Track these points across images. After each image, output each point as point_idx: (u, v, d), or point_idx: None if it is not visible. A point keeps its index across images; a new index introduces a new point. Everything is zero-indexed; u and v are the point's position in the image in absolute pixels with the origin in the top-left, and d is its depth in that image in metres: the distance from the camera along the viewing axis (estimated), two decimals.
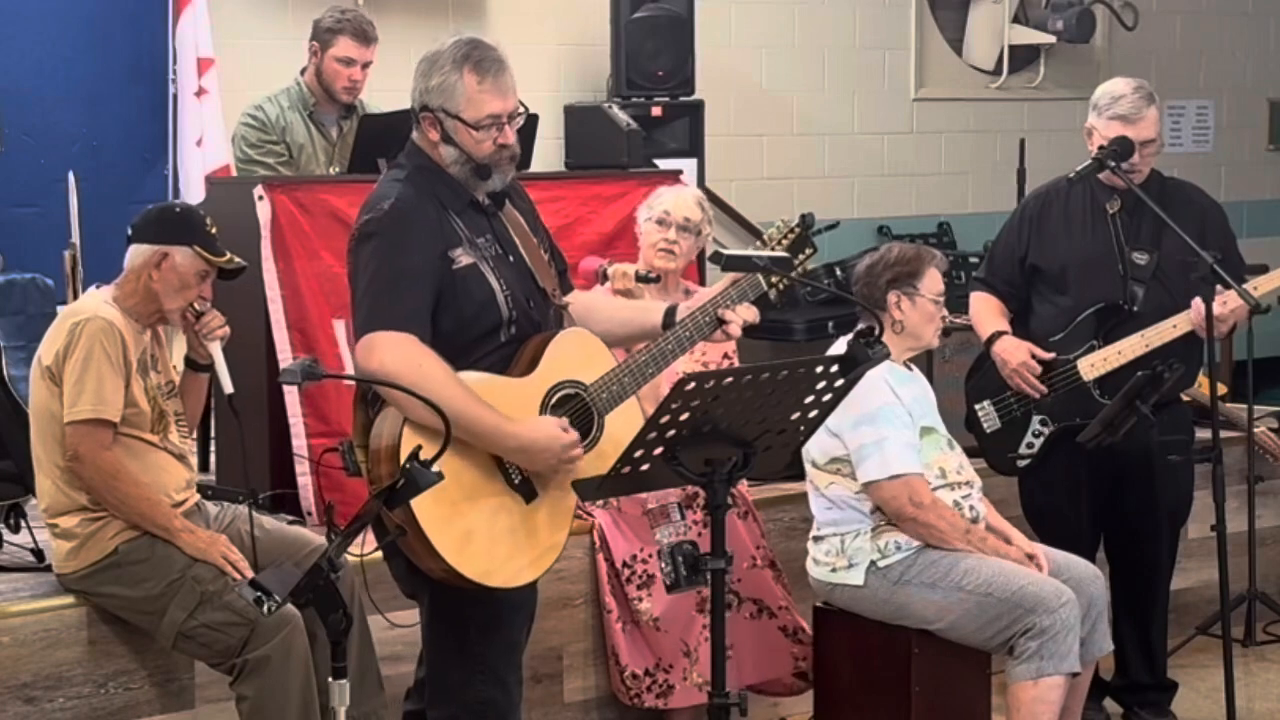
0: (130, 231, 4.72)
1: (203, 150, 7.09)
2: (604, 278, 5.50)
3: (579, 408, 4.06)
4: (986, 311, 5.62)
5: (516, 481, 3.98)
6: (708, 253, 6.37)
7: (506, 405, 3.94)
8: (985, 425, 5.60)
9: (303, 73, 6.57)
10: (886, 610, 5.05)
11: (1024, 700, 4.87)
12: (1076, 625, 4.86)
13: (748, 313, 4.17)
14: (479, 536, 3.92)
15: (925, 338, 5.17)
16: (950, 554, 4.97)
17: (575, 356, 4.08)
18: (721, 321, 4.14)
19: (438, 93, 4.04)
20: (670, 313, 4.19)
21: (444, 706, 4.15)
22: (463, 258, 4.01)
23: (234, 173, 6.75)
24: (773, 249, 4.22)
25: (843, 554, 5.07)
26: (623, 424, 4.06)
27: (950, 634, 4.99)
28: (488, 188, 4.11)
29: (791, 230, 4.26)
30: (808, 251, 4.26)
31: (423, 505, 3.79)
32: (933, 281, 5.11)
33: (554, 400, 4.03)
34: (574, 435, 3.99)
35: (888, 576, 5.00)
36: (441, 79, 4.04)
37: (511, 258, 4.11)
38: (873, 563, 5.01)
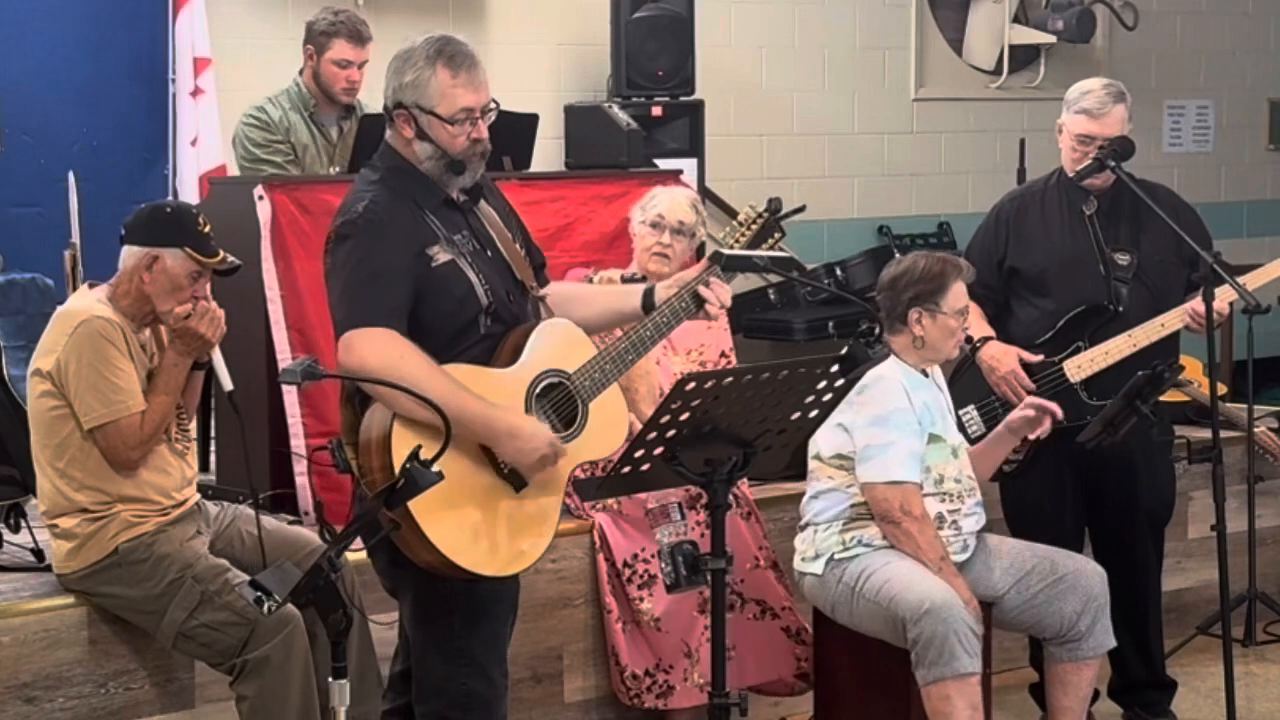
0: (123, 232, 4.69)
1: (198, 150, 7.09)
2: None
3: (563, 396, 4.09)
4: (972, 316, 5.56)
5: (505, 471, 4.00)
6: (707, 251, 6.42)
7: (492, 395, 3.96)
8: (970, 430, 5.53)
9: (300, 73, 6.57)
10: (829, 607, 5.07)
11: (929, 708, 4.85)
12: (950, 631, 4.77)
13: (724, 293, 4.19)
14: (472, 526, 3.93)
15: (944, 352, 5.14)
16: (883, 556, 4.96)
17: (557, 346, 4.12)
18: (701, 300, 4.16)
19: (411, 89, 4.05)
20: (649, 294, 4.21)
21: (430, 701, 4.16)
22: (440, 254, 4.03)
23: (229, 173, 6.75)
24: (743, 233, 4.27)
25: (813, 543, 5.08)
26: (605, 414, 4.12)
27: (880, 638, 4.97)
28: (460, 183, 4.13)
29: (760, 215, 4.31)
30: (776, 235, 4.32)
31: (416, 497, 3.79)
32: (955, 298, 5.06)
33: (539, 389, 4.06)
34: (557, 438, 4.02)
35: (835, 572, 5.01)
36: (415, 75, 4.05)
37: (489, 253, 4.15)
38: (832, 555, 5.02)
